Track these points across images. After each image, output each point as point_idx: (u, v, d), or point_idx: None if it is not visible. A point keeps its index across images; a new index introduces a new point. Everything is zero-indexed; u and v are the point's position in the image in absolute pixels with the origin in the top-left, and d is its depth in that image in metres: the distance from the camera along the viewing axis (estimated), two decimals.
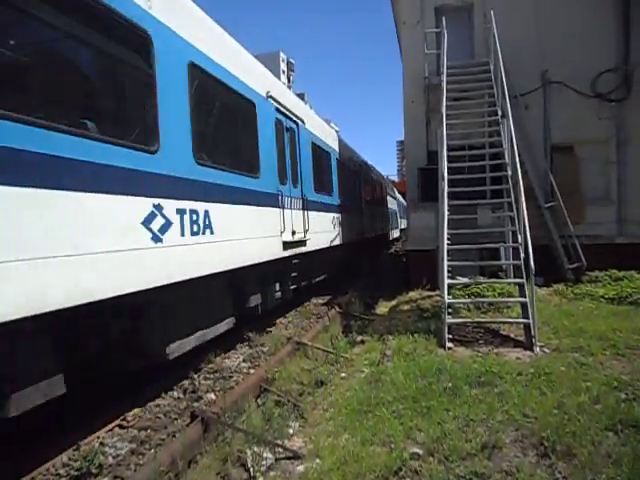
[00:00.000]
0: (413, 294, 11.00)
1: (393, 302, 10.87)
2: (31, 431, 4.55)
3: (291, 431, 4.65)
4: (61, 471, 4.22)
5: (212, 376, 6.54)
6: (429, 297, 10.44)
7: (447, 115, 9.78)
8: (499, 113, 10.06)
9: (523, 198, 7.68)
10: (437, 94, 10.84)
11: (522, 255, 7.49)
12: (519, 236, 7.75)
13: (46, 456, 4.34)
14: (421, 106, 12.87)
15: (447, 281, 7.54)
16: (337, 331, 8.20)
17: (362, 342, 7.71)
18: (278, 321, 10.09)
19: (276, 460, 4.12)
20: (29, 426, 4.45)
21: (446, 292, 7.43)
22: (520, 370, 5.61)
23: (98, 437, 4.78)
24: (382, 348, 6.94)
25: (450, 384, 5.22)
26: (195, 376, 6.42)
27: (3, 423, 3.68)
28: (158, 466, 3.69)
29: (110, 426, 5.01)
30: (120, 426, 5.06)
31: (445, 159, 8.79)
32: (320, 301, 12.26)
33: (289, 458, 4.14)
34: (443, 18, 11.72)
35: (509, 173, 8.92)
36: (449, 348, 6.79)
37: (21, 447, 4.41)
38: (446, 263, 7.63)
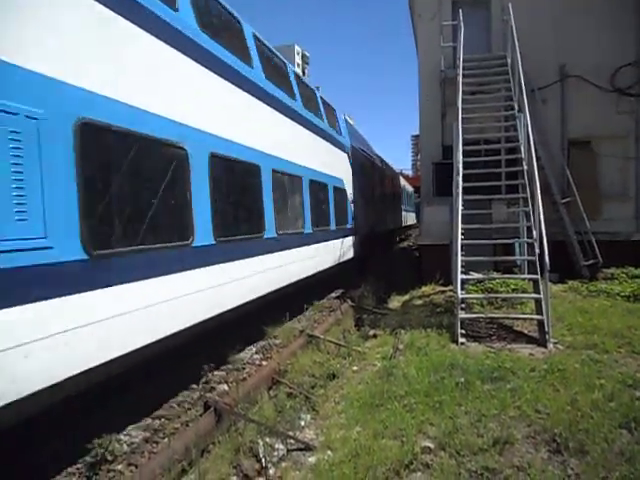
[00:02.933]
0: (426, 289, 10.96)
1: (406, 297, 10.87)
2: (47, 419, 4.63)
3: (303, 423, 4.69)
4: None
5: (225, 367, 6.61)
6: (442, 292, 10.41)
7: (463, 109, 9.69)
8: (516, 107, 9.96)
9: (539, 193, 7.61)
10: (453, 88, 10.74)
11: (537, 251, 7.42)
12: (534, 232, 7.68)
13: (62, 442, 4.43)
14: (437, 100, 12.76)
15: (460, 276, 7.50)
16: (349, 325, 8.23)
17: (374, 336, 7.72)
18: (290, 314, 10.13)
19: (288, 451, 4.17)
20: (44, 414, 4.52)
21: (459, 287, 7.39)
22: (533, 366, 5.58)
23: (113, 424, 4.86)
24: (394, 342, 6.94)
25: (462, 379, 5.21)
26: (208, 367, 6.48)
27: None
28: (172, 454, 3.75)
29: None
30: (135, 414, 5.13)
31: (460, 153, 8.73)
32: (333, 294, 12.29)
33: (301, 449, 4.19)
34: (460, 11, 11.58)
35: (525, 168, 8.82)
36: (462, 343, 6.76)
37: (37, 433, 4.49)
38: (460, 258, 7.59)
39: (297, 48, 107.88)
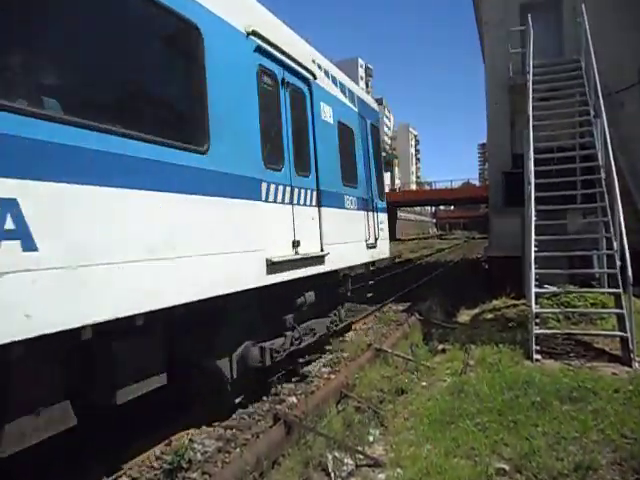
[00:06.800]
0: (497, 302, 10.62)
1: (475, 310, 10.57)
2: (128, 421, 4.85)
3: (371, 438, 4.65)
4: (155, 464, 4.49)
5: (293, 380, 6.69)
6: (514, 306, 10.04)
7: (534, 116, 9.39)
8: (591, 112, 9.51)
9: (619, 202, 7.21)
10: (522, 94, 10.43)
11: (618, 263, 7.02)
12: (614, 242, 7.28)
13: (141, 448, 4.64)
14: (505, 107, 12.47)
15: (535, 289, 7.21)
16: (417, 339, 8.08)
17: (443, 351, 7.55)
18: (358, 327, 10.14)
19: (357, 467, 4.14)
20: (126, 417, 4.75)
21: (533, 301, 7.11)
22: (617, 387, 5.25)
23: (187, 433, 5.04)
24: (464, 357, 6.77)
25: (538, 398, 4.99)
26: (277, 379, 6.58)
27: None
28: (244, 465, 3.83)
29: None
30: (207, 424, 5.29)
31: (532, 162, 8.45)
32: (400, 307, 12.17)
33: (370, 465, 4.14)
34: (529, 15, 11.27)
35: (603, 176, 8.39)
36: (537, 360, 6.49)
37: (118, 437, 4.72)
38: (534, 271, 7.31)
39: (360, 61, 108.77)
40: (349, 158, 8.17)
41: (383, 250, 9.68)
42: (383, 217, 9.93)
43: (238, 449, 4.65)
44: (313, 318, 7.07)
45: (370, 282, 9.87)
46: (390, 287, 15.79)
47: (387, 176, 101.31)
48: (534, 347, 6.65)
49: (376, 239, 9.05)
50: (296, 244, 5.96)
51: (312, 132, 6.76)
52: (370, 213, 8.93)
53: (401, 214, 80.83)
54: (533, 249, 7.52)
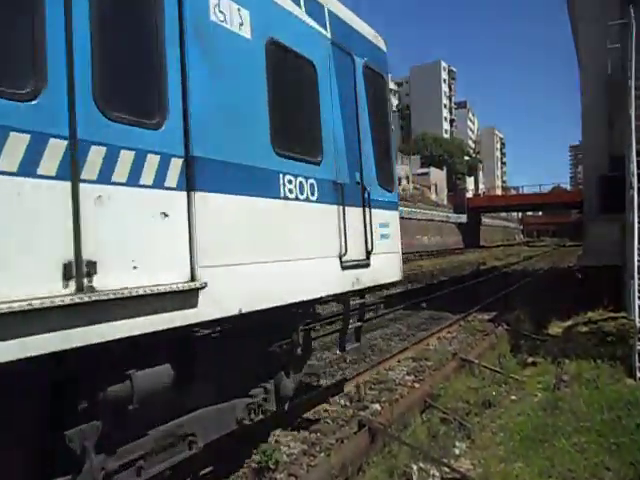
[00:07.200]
0: (592, 314, 9.99)
1: (568, 322, 10.01)
2: None
3: (457, 451, 4.54)
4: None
5: (377, 387, 6.68)
6: (612, 319, 9.37)
7: (636, 115, 8.75)
8: None
9: None
10: (622, 92, 9.75)
11: None
12: None
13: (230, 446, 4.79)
14: (602, 107, 11.73)
15: (638, 302, 6.70)
16: (505, 350, 7.79)
17: (533, 364, 7.23)
18: (442, 335, 9.92)
19: None
20: None
21: (637, 314, 6.61)
22: None
23: (273, 435, 5.15)
24: (557, 372, 6.43)
25: None
26: (361, 385, 6.58)
27: None
28: (330, 469, 3.86)
29: None
30: (292, 427, 5.38)
31: (635, 165, 7.88)
32: (485, 317, 11.77)
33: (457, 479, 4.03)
34: (630, 7, 10.52)
35: None
36: None
37: None
38: (637, 282, 6.80)
39: (443, 64, 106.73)
40: (302, 111, 4.80)
41: (386, 270, 5.77)
42: (389, 216, 6.03)
43: (323, 453, 4.69)
44: (209, 404, 3.79)
45: (356, 324, 5.61)
46: (474, 296, 15.36)
47: (471, 181, 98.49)
48: (638, 364, 6.19)
49: (369, 252, 5.30)
50: (83, 271, 2.58)
51: (177, 38, 3.35)
52: (354, 209, 5.21)
53: (485, 220, 78.18)
54: (637, 258, 7.01)
